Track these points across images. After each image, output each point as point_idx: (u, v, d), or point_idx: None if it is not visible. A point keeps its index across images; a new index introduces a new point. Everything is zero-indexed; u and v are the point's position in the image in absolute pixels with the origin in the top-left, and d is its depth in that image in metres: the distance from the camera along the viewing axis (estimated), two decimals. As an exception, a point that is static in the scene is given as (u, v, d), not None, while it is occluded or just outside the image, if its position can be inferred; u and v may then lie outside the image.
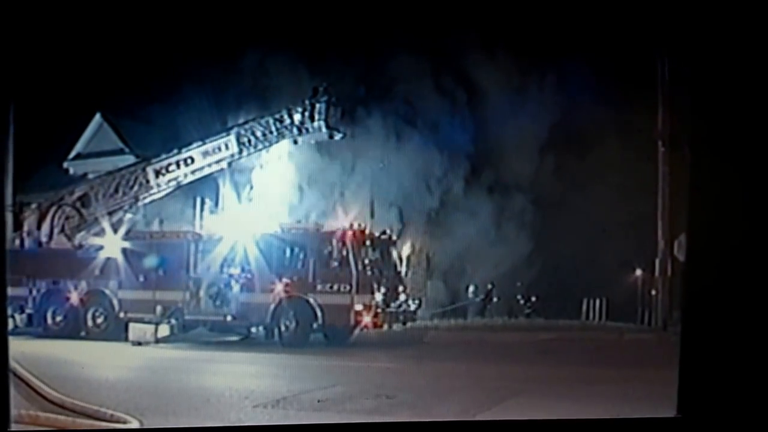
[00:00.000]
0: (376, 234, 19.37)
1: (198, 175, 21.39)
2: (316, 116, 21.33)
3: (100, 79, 26.35)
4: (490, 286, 27.01)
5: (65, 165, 30.41)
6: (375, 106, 26.61)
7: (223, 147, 21.16)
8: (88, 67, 25.72)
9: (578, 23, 22.90)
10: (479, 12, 24.17)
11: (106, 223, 20.41)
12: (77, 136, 30.51)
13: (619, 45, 22.54)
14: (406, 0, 23.65)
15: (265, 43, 24.31)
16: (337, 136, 22.08)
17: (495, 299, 27.26)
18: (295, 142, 21.92)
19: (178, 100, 24.83)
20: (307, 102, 21.39)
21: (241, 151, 21.27)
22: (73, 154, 30.56)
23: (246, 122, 21.59)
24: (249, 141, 21.26)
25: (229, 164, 21.57)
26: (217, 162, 21.25)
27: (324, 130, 21.52)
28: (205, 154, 21.13)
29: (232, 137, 21.18)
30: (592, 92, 24.03)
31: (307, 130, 21.53)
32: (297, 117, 21.35)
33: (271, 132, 21.40)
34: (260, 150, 21.64)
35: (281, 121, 21.42)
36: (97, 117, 30.17)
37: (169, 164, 21.11)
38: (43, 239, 20.87)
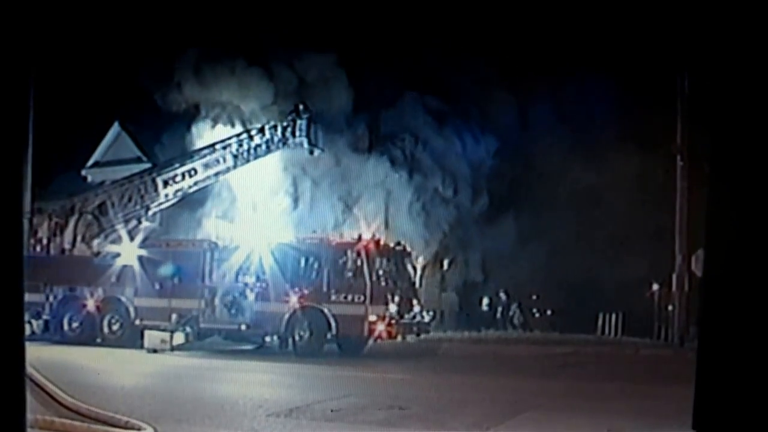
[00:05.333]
0: (391, 245, 19.36)
1: (200, 186, 22.38)
2: (298, 132, 22.67)
3: (119, 88, 26.65)
4: (503, 297, 26.97)
5: (83, 173, 30.70)
6: (393, 119, 26.74)
7: (221, 160, 22.15)
8: (107, 76, 26.03)
9: (598, 38, 22.93)
10: (499, 24, 24.28)
11: (122, 231, 20.62)
12: (96, 144, 30.79)
13: (638, 59, 22.53)
14: (425, 14, 23.90)
15: (272, 56, 24.93)
16: (317, 152, 23.41)
17: (515, 312, 27.20)
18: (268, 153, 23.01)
19: (191, 110, 25.21)
20: (289, 118, 22.73)
21: (235, 165, 22.27)
22: (91, 162, 30.84)
23: (238, 135, 22.63)
24: (242, 154, 22.25)
25: (224, 176, 22.67)
26: (216, 174, 22.28)
27: (306, 145, 22.91)
28: (206, 166, 22.06)
29: (228, 150, 22.16)
30: (611, 106, 24.00)
31: (288, 145, 22.85)
32: (280, 132, 22.60)
33: (259, 146, 22.48)
34: (249, 162, 22.60)
35: (266, 135, 22.57)
36: (115, 125, 30.45)
37: (176, 175, 21.92)
38: (66, 246, 21.12)
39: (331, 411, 9.98)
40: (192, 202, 23.59)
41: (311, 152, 23.37)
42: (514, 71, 25.15)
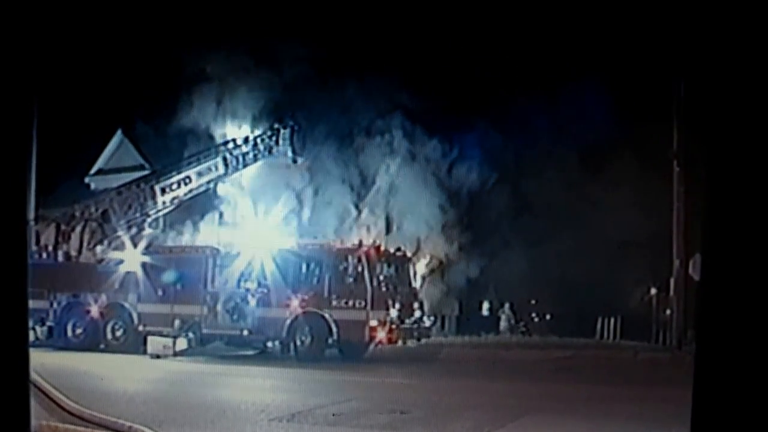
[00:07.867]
0: (392, 250, 19.42)
1: (194, 193, 22.67)
2: (281, 141, 23.24)
3: (122, 95, 26.76)
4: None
5: (87, 180, 30.76)
6: (390, 122, 26.75)
7: (213, 168, 22.58)
8: (110, 83, 26.15)
9: (595, 43, 23.00)
10: (497, 30, 24.35)
11: (125, 238, 20.70)
12: (99, 151, 30.87)
13: (634, 65, 22.60)
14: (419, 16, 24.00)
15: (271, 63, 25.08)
16: (300, 160, 23.81)
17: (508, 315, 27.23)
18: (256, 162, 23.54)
19: (194, 116, 25.28)
20: (274, 127, 23.32)
21: (226, 173, 22.73)
22: (94, 169, 30.91)
23: (225, 144, 23.06)
24: (231, 162, 22.71)
25: (216, 184, 23.06)
26: (208, 182, 22.65)
27: (289, 154, 23.44)
28: (199, 174, 22.45)
29: (220, 158, 22.61)
30: (608, 111, 24.05)
31: (273, 154, 23.39)
32: (266, 140, 23.20)
33: (246, 154, 22.98)
34: (238, 170, 23.12)
35: (249, 142, 23.15)
36: (118, 133, 30.52)
37: (172, 183, 22.19)
38: (72, 253, 21.22)
39: (333, 415, 10.04)
40: (194, 208, 23.66)
41: (294, 161, 23.84)
42: (510, 75, 25.20)
